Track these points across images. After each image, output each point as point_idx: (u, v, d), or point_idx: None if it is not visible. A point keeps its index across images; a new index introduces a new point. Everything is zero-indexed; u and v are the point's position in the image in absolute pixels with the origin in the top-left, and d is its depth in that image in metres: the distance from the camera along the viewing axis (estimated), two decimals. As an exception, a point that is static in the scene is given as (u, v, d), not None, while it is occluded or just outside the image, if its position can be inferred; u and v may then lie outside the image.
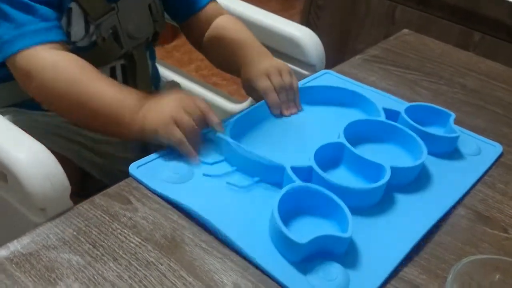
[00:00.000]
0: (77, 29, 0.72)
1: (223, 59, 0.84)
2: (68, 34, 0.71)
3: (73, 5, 0.71)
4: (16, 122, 0.66)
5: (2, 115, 0.68)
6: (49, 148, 0.59)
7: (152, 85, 0.89)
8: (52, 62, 0.65)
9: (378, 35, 1.75)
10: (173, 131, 0.62)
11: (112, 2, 0.75)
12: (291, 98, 0.76)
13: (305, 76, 0.90)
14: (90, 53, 0.74)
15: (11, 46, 0.65)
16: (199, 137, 0.64)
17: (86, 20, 0.72)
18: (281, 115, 0.75)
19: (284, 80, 0.74)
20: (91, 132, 0.78)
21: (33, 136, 0.61)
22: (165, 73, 1.21)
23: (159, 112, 0.63)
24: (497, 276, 0.50)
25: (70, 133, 0.78)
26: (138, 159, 0.63)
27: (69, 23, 0.71)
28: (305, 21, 2.01)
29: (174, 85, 0.99)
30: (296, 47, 0.95)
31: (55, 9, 0.67)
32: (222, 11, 0.88)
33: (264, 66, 0.76)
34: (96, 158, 0.80)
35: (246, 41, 0.82)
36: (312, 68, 0.95)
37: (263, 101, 0.75)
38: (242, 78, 0.77)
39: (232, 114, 1.08)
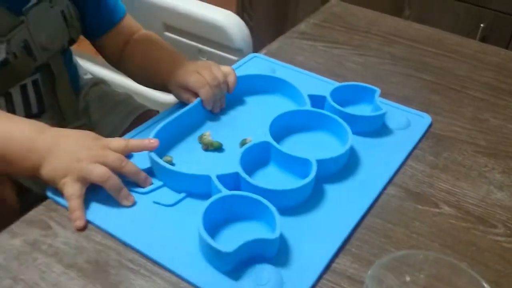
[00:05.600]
0: None
1: (147, 74, 0.81)
2: None
3: None
4: None
5: None
6: None
7: (73, 89, 0.85)
8: None
9: (317, 4, 1.72)
10: (93, 169, 0.57)
11: (20, 15, 0.70)
12: (224, 92, 0.74)
13: (233, 62, 0.88)
14: (0, 74, 0.70)
15: None
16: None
17: None
18: (210, 112, 0.73)
19: (215, 73, 0.72)
20: None
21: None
22: (94, 69, 1.16)
23: (63, 158, 0.57)
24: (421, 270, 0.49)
25: None
26: None
27: None
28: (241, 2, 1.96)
29: (98, 83, 0.95)
30: (221, 32, 0.93)
31: None
32: (137, 26, 0.85)
33: (193, 66, 0.74)
34: None
35: (169, 54, 0.80)
36: (239, 52, 0.93)
37: (188, 106, 0.71)
38: (171, 82, 0.74)
39: (165, 105, 1.06)
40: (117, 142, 0.61)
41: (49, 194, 0.59)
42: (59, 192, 0.58)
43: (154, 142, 0.62)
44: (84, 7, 0.80)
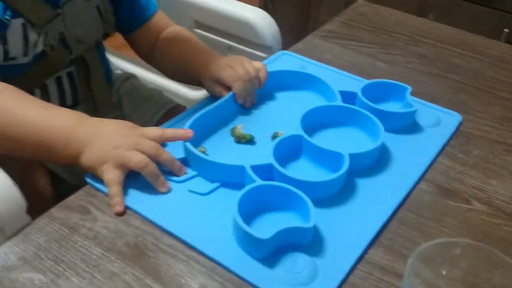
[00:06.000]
0: (15, 44, 0.68)
1: (179, 68, 0.83)
2: (6, 53, 0.68)
3: (13, 20, 0.67)
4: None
5: None
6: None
7: (106, 83, 0.86)
8: None
9: (338, 4, 1.73)
10: (132, 156, 0.58)
11: (57, 8, 0.72)
12: (256, 87, 0.75)
13: (263, 59, 0.89)
14: (38, 65, 0.72)
15: None
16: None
17: (25, 32, 0.69)
18: (242, 106, 0.74)
19: (247, 68, 0.73)
20: None
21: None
22: (124, 65, 1.18)
23: (102, 147, 0.59)
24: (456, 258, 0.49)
25: None
26: None
27: (4, 41, 0.67)
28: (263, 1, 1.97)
29: (129, 78, 0.96)
30: (250, 29, 0.94)
31: None
32: (168, 22, 0.87)
33: (226, 60, 0.76)
34: None
35: (202, 49, 0.82)
36: (269, 49, 0.94)
37: (221, 99, 0.72)
38: (204, 76, 0.75)
39: (193, 101, 1.07)
40: (153, 131, 0.63)
41: (88, 180, 0.60)
42: (98, 179, 0.59)
43: (189, 132, 0.63)
44: (118, 2, 0.82)
